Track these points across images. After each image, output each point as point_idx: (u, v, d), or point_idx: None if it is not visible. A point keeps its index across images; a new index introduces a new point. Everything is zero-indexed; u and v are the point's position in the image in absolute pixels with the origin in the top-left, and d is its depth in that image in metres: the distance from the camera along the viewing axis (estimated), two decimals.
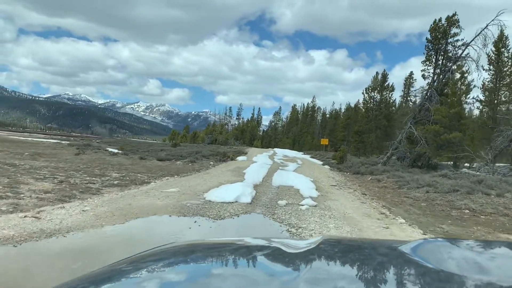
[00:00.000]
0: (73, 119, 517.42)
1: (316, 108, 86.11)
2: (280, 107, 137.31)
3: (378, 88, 34.31)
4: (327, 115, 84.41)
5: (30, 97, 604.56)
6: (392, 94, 35.39)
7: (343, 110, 78.63)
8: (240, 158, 22.91)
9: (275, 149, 46.25)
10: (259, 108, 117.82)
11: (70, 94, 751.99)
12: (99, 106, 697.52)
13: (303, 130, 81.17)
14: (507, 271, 1.06)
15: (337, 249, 1.33)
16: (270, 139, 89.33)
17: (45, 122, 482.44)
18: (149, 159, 17.88)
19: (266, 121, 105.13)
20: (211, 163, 18.46)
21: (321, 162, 26.65)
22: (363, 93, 35.78)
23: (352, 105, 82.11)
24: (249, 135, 79.70)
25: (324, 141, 37.01)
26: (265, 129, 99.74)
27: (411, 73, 36.05)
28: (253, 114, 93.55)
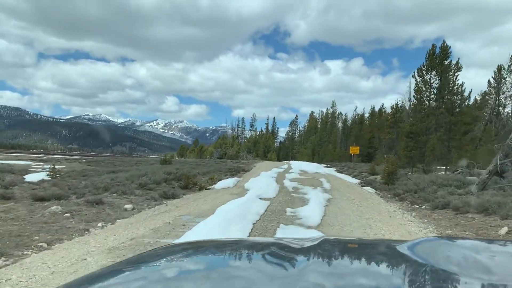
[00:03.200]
0: (94, 139, 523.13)
1: (336, 114, 77.62)
2: (296, 115, 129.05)
3: (437, 68, 23.75)
4: (349, 122, 75.90)
5: (51, 119, 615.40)
6: (457, 76, 24.10)
7: (366, 115, 70.55)
8: (223, 183, 14.14)
9: (291, 162, 38.27)
10: (274, 118, 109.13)
11: (91, 114, 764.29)
12: (119, 125, 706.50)
13: (323, 139, 72.74)
14: (506, 270, 1.06)
15: (337, 248, 1.33)
16: (287, 150, 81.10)
17: (66, 143, 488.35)
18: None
19: (283, 133, 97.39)
20: (127, 206, 8.60)
21: (356, 181, 18.58)
22: (413, 76, 25.28)
23: (376, 110, 74.62)
24: (263, 147, 71.80)
25: (355, 150, 28.66)
26: (282, 141, 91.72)
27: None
28: (267, 124, 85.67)
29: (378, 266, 1.11)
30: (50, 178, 15.85)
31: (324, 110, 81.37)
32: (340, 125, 76.50)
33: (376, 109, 71.16)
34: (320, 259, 1.14)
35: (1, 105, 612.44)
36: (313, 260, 1.10)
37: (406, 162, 19.72)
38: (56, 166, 33.34)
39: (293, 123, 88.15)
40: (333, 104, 77.83)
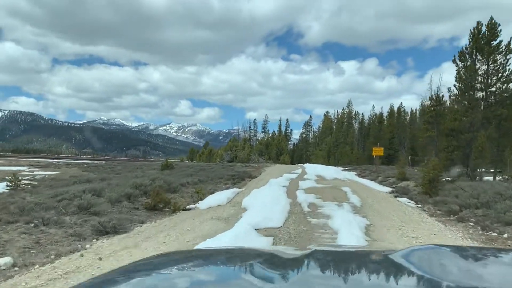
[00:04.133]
0: (108, 143, 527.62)
1: (353, 113, 73.67)
2: (310, 115, 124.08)
3: (483, 50, 19.23)
4: (365, 122, 71.95)
5: (66, 124, 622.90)
6: (509, 60, 19.45)
7: (385, 114, 66.52)
8: (214, 198, 10.55)
9: (306, 165, 34.79)
10: (287, 119, 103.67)
11: (105, 119, 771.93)
12: (133, 129, 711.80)
13: (339, 140, 68.95)
14: (499, 278, 1.06)
15: (330, 258, 1.32)
16: (300, 152, 77.51)
17: (81, 147, 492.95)
18: None
19: (296, 135, 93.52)
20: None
21: (386, 189, 15.05)
22: (454, 61, 20.66)
23: (395, 109, 70.53)
24: (276, 149, 68.26)
25: (378, 151, 24.94)
26: (295, 143, 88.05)
27: None
28: (280, 126, 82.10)
29: (371, 275, 1.10)
30: (8, 190, 12.84)
31: (340, 110, 77.63)
32: (356, 125, 72.63)
33: (395, 108, 67.37)
34: (312, 269, 1.13)
35: (17, 111, 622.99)
36: (304, 271, 1.09)
37: (448, 164, 16.04)
38: (48, 172, 29.89)
39: (307, 124, 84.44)
40: (349, 104, 74.03)
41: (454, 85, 20.09)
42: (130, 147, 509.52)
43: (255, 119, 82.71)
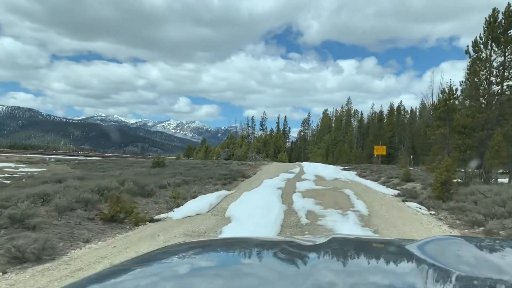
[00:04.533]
0: (106, 140, 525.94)
1: (352, 111, 72.30)
2: (309, 113, 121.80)
3: (499, 40, 17.24)
4: (364, 121, 70.65)
5: (64, 120, 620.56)
6: None
7: (385, 113, 65.14)
8: (195, 204, 8.94)
9: (304, 164, 33.47)
10: (285, 117, 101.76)
11: (103, 115, 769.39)
12: (131, 125, 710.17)
13: (338, 139, 67.63)
14: None
15: (347, 247, 1.33)
16: (299, 151, 76.19)
17: (79, 143, 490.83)
18: None
19: (295, 133, 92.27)
20: None
21: (391, 192, 13.71)
22: (467, 51, 18.64)
23: (395, 107, 69.12)
24: (273, 147, 66.96)
25: (380, 150, 23.47)
26: (293, 141, 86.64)
27: None
28: (278, 123, 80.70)
29: (387, 264, 1.11)
30: None
31: (339, 108, 76.26)
32: (355, 123, 71.31)
33: (395, 107, 65.99)
34: (329, 257, 1.15)
35: (15, 106, 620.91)
36: (322, 258, 1.12)
37: (459, 164, 14.57)
38: (33, 169, 28.29)
39: (306, 121, 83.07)
40: (348, 101, 72.70)
41: (467, 79, 18.50)
42: (128, 144, 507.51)
43: (253, 117, 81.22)
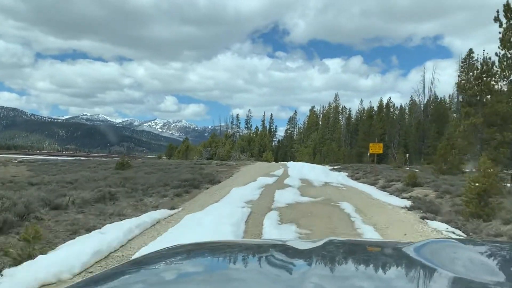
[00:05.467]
0: (92, 139, 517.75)
1: (340, 108, 69.69)
2: (295, 111, 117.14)
3: None
4: (353, 118, 68.13)
5: (49, 120, 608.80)
6: None
7: (375, 109, 62.60)
8: (81, 243, 4.95)
9: (289, 164, 30.59)
10: (271, 115, 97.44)
11: (89, 114, 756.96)
12: (117, 125, 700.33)
13: (325, 137, 65.01)
14: None
15: (343, 250, 1.31)
16: (285, 149, 73.31)
17: (64, 143, 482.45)
18: None
19: (282, 132, 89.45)
20: None
21: (399, 201, 10.43)
22: (496, 19, 14.91)
23: (381, 106, 66.68)
24: (258, 146, 64.05)
25: (376, 148, 20.40)
26: (280, 140, 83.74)
27: None
28: (263, 121, 77.72)
29: (384, 267, 1.10)
30: None
31: (326, 106, 73.60)
32: (343, 121, 68.65)
33: (384, 103, 63.47)
34: (324, 261, 1.12)
35: None
36: (317, 262, 1.09)
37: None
38: None
39: (292, 119, 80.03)
40: (336, 98, 70.10)
41: (497, 54, 14.85)
42: (114, 144, 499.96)
43: (237, 114, 77.88)
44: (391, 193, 12.80)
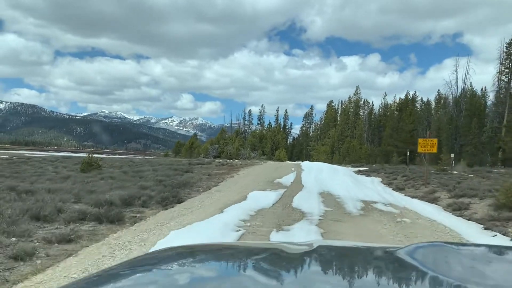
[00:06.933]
0: (109, 136, 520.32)
1: (361, 102, 63.20)
2: (312, 106, 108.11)
3: None
4: (375, 113, 61.57)
5: (67, 116, 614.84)
6: None
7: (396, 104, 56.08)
8: None
9: (304, 164, 24.91)
10: (286, 110, 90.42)
11: (106, 112, 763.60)
12: (134, 122, 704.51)
13: (345, 134, 58.75)
14: (504, 276, 1.05)
15: (333, 253, 1.31)
16: (300, 147, 67.23)
17: (82, 140, 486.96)
18: None
19: (297, 130, 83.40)
20: None
21: None
22: None
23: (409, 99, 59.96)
24: (271, 143, 58.20)
25: (428, 145, 14.37)
26: (295, 137, 77.55)
27: None
28: (277, 116, 71.64)
29: (375, 271, 1.10)
30: None
31: (346, 99, 67.14)
32: (365, 117, 61.81)
33: (406, 98, 56.76)
34: (315, 265, 1.13)
35: (18, 103, 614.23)
36: (309, 266, 1.10)
37: None
38: None
39: (308, 115, 73.70)
40: (357, 91, 63.51)
41: None
42: (131, 140, 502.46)
43: (250, 110, 72.00)
44: (484, 225, 6.86)
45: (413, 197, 11.04)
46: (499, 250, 1.39)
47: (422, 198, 10.72)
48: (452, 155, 23.68)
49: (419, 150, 14.40)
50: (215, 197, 9.05)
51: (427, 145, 14.02)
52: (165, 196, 7.91)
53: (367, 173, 21.24)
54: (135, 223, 5.98)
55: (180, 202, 8.03)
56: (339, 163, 40.79)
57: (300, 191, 10.50)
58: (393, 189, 13.13)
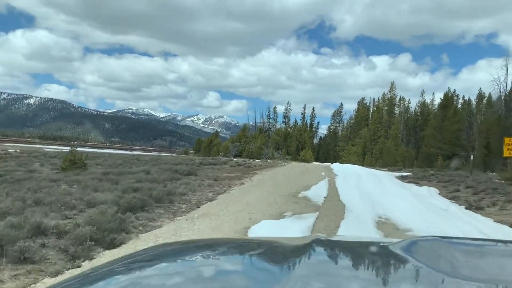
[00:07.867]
0: (136, 133, 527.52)
1: (397, 100, 58.18)
2: (341, 103, 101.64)
3: None
4: (412, 111, 56.59)
5: (95, 112, 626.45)
6: None
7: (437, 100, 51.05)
8: None
9: (335, 166, 20.95)
10: (313, 108, 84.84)
11: (134, 108, 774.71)
12: (161, 119, 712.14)
13: (378, 134, 54.01)
14: (497, 270, 1.05)
15: (329, 248, 1.32)
16: (328, 148, 62.77)
17: (109, 136, 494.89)
18: None
19: (324, 130, 79.23)
20: None
21: None
22: None
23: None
24: (296, 142, 54.06)
25: None
26: (322, 137, 73.01)
27: None
28: (303, 113, 67.29)
29: (370, 265, 1.10)
30: None
31: (380, 96, 62.20)
32: (402, 115, 56.69)
33: (446, 96, 51.45)
34: (311, 259, 1.13)
35: (48, 98, 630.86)
36: (304, 260, 1.09)
37: None
38: None
39: (337, 114, 69.04)
40: (392, 87, 58.52)
41: None
42: (157, 137, 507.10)
43: (275, 107, 68.02)
44: None
45: (497, 221, 6.97)
46: (495, 244, 1.38)
47: None
48: None
49: (505, 154, 10.23)
50: (188, 234, 5.16)
51: None
52: (92, 234, 4.11)
53: (414, 181, 17.05)
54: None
55: (113, 247, 4.23)
56: (371, 165, 36.50)
57: (342, 220, 6.52)
58: (464, 207, 9.05)
